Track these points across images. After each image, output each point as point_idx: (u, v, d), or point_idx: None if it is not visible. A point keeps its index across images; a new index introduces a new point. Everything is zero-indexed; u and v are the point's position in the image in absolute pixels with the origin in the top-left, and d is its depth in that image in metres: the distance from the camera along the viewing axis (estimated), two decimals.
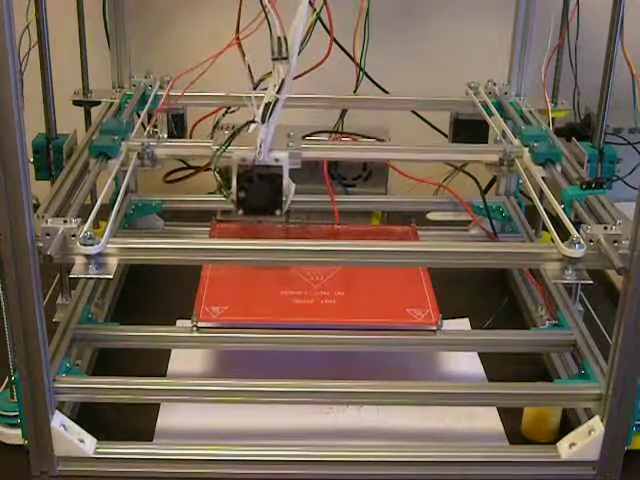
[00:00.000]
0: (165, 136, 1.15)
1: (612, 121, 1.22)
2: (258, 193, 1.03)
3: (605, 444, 0.94)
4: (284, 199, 1.03)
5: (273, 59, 0.98)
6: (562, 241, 0.92)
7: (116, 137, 1.11)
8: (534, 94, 1.34)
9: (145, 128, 1.20)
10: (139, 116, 1.27)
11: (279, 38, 0.97)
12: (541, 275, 1.17)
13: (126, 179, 1.08)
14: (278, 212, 1.04)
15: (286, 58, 0.98)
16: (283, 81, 0.98)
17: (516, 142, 1.16)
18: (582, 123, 1.41)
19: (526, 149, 1.13)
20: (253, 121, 1.01)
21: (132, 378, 0.98)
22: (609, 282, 1.29)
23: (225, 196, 1.04)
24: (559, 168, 1.09)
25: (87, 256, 0.89)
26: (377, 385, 0.98)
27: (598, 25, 1.16)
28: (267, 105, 0.99)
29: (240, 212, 1.04)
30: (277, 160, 1.03)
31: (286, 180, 1.03)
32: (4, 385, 1.04)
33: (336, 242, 0.95)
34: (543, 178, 1.08)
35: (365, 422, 1.04)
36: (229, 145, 1.02)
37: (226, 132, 1.04)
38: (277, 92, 0.98)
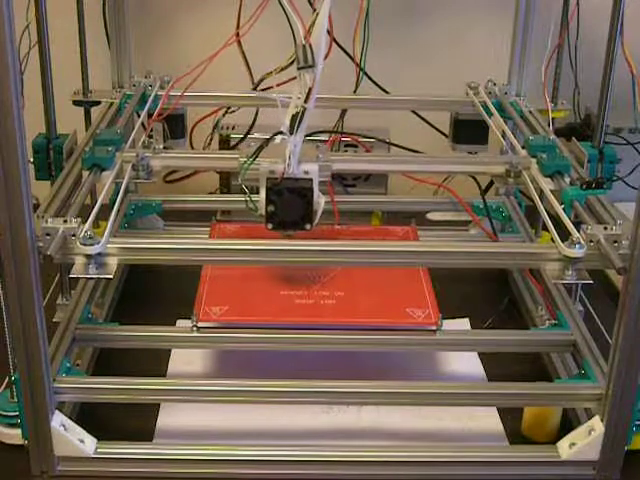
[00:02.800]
0: (161, 147, 1.14)
1: (612, 121, 1.21)
2: (288, 207, 0.99)
3: (605, 444, 0.94)
4: (314, 212, 1.00)
5: (299, 68, 0.95)
6: (562, 241, 0.92)
7: (110, 148, 1.08)
8: (534, 94, 1.34)
9: (145, 128, 1.20)
10: (139, 116, 1.27)
11: (304, 46, 0.95)
12: (541, 275, 1.17)
13: (125, 180, 1.08)
14: (309, 226, 1.00)
15: (312, 66, 0.95)
16: (310, 90, 0.95)
17: (522, 152, 1.13)
18: (582, 123, 1.41)
19: (533, 160, 1.10)
20: (281, 132, 0.98)
21: (132, 378, 0.98)
22: (609, 282, 1.28)
23: (253, 210, 1.01)
24: (568, 180, 1.06)
25: (87, 256, 0.89)
26: (377, 385, 0.98)
27: (598, 25, 1.16)
28: (294, 116, 0.96)
29: (270, 227, 1.00)
30: (307, 173, 1.00)
31: (316, 193, 1.00)
32: (4, 385, 1.04)
33: (336, 242, 0.95)
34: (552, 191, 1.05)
35: (365, 422, 1.04)
36: (257, 157, 0.99)
37: (240, 138, 0.99)
38: (305, 101, 0.96)
